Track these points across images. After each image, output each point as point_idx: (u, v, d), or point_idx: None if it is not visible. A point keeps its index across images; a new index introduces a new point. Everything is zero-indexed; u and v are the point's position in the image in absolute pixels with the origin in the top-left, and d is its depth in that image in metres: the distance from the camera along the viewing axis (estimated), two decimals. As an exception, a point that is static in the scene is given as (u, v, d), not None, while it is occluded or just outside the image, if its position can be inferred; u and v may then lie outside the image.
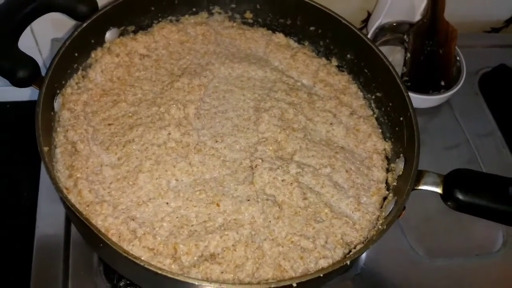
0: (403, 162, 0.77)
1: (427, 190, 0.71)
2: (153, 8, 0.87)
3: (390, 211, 0.72)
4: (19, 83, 0.69)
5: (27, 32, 0.77)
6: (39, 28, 1.00)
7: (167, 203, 0.71)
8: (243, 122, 0.82)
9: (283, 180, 0.74)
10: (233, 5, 0.92)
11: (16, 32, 0.72)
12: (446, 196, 0.70)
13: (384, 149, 0.84)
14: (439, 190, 0.70)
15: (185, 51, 0.89)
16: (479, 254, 0.89)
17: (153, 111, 0.79)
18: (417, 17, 1.11)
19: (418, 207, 0.81)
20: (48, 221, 0.83)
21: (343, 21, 0.86)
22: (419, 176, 0.71)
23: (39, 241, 0.81)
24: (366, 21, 1.19)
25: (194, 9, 0.91)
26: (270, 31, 0.94)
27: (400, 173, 0.77)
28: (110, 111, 0.79)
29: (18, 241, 1.00)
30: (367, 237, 0.73)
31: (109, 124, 0.77)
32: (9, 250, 1.00)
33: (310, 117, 0.83)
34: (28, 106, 1.17)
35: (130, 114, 0.79)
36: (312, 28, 0.92)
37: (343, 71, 0.92)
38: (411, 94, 0.79)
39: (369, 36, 1.06)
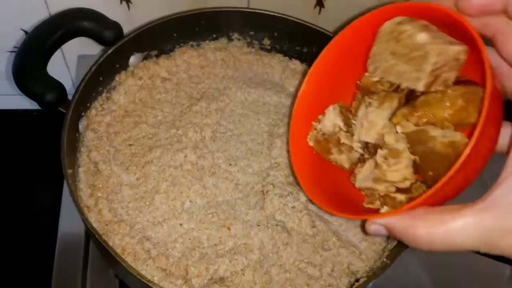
0: (411, 195, 0.79)
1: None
2: (175, 34, 0.90)
3: (396, 245, 0.73)
4: (46, 106, 0.73)
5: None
6: (67, 44, 1.06)
7: (180, 224, 0.74)
8: (257, 146, 0.84)
9: (293, 207, 0.77)
10: (252, 32, 0.95)
11: (45, 57, 0.76)
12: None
13: (395, 181, 0.85)
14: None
15: (205, 75, 0.93)
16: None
17: (172, 133, 0.82)
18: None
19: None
20: (70, 230, 0.87)
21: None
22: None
23: (60, 247, 0.85)
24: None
25: (214, 35, 0.95)
26: (286, 58, 0.97)
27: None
28: (131, 132, 0.83)
29: (39, 246, 1.06)
30: (373, 267, 0.75)
31: (130, 145, 0.81)
32: (31, 254, 1.06)
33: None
34: (54, 115, 1.23)
35: (150, 136, 0.82)
36: (328, 57, 0.94)
37: (357, 98, 0.94)
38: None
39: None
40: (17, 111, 1.23)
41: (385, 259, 0.73)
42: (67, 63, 1.16)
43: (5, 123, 1.22)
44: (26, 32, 1.05)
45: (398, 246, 0.72)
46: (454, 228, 0.45)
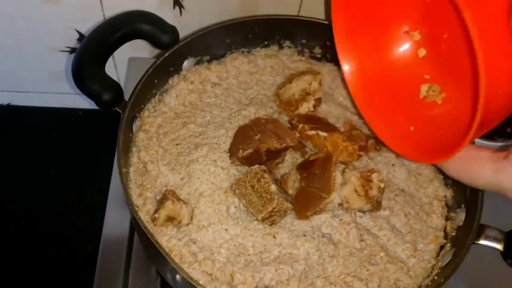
0: (464, 213, 0.76)
1: (487, 246, 0.70)
2: (228, 40, 0.91)
3: (448, 263, 0.71)
4: (104, 106, 0.75)
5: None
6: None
7: (226, 229, 0.74)
8: (304, 156, 0.84)
9: (340, 220, 0.75)
10: (304, 41, 0.95)
11: (104, 57, 0.78)
12: (507, 253, 0.69)
13: (445, 196, 0.83)
14: (499, 246, 0.69)
15: (254, 82, 0.93)
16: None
17: (220, 133, 0.83)
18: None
19: (475, 259, 0.79)
20: (114, 229, 0.88)
21: (413, 64, 0.86)
22: (480, 231, 0.71)
23: (104, 246, 0.86)
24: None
25: (266, 42, 0.95)
26: (337, 67, 0.96)
27: (461, 224, 0.76)
28: (179, 132, 0.83)
29: (83, 243, 1.08)
30: (420, 285, 0.73)
31: (177, 144, 0.82)
32: (71, 250, 1.08)
33: (372, 157, 0.84)
34: (98, 114, 1.26)
35: (198, 134, 0.83)
36: (380, 68, 0.92)
37: (407, 112, 0.92)
38: (476, 140, 0.78)
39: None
40: (65, 110, 1.27)
41: (436, 277, 0.71)
42: (116, 65, 1.19)
43: (51, 120, 1.26)
44: (79, 33, 1.08)
45: (451, 264, 0.70)
46: None
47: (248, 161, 0.78)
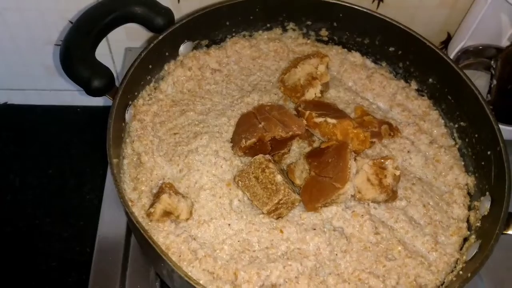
0: (490, 202, 0.69)
1: (517, 236, 0.64)
2: (228, 23, 0.85)
3: (473, 256, 0.64)
4: (93, 93, 0.69)
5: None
6: (113, 36, 1.03)
7: (229, 224, 0.68)
8: (312, 144, 0.78)
9: (353, 212, 0.69)
10: (309, 22, 0.89)
11: (95, 41, 0.73)
12: (540, 245, 0.62)
13: (467, 184, 0.76)
14: (531, 237, 0.63)
15: (256, 67, 0.87)
16: None
17: (222, 121, 0.77)
18: (504, 42, 1.02)
19: (502, 252, 0.73)
20: (110, 228, 0.83)
21: (428, 43, 0.80)
22: (508, 220, 0.64)
23: (99, 246, 0.81)
24: (445, 43, 1.11)
25: (268, 25, 0.89)
26: (345, 50, 0.90)
27: (486, 213, 0.69)
28: (177, 120, 0.78)
29: (82, 243, 1.03)
30: (443, 282, 0.66)
31: (175, 134, 0.76)
32: (70, 251, 1.03)
33: (385, 144, 0.78)
34: (97, 111, 1.22)
35: (197, 122, 0.77)
36: (392, 49, 0.86)
37: (423, 95, 0.86)
38: (501, 126, 0.72)
39: (451, 57, 0.98)
40: (63, 107, 1.22)
41: (461, 272, 0.64)
42: (113, 57, 1.14)
43: (49, 118, 1.22)
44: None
45: (478, 257, 0.63)
46: None
47: (252, 151, 0.72)
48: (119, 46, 1.08)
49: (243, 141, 0.71)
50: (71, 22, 1.02)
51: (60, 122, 1.22)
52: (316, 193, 0.68)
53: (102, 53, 1.09)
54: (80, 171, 1.15)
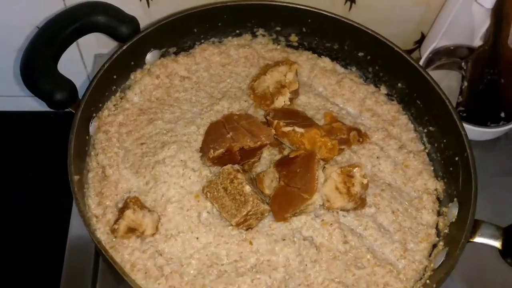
0: (457, 208, 0.70)
1: (483, 244, 0.64)
2: (196, 30, 0.84)
3: (441, 264, 0.65)
4: (55, 106, 0.68)
5: (72, 45, 0.77)
6: (84, 41, 1.01)
7: (197, 238, 0.67)
8: (283, 151, 0.77)
9: (322, 220, 0.69)
10: (278, 28, 0.88)
11: (56, 54, 0.71)
12: (506, 252, 0.62)
13: (436, 189, 0.77)
14: (497, 244, 0.63)
15: (226, 74, 0.86)
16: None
17: (191, 130, 0.76)
18: (476, 41, 1.03)
19: (472, 258, 0.73)
20: (79, 238, 0.81)
21: (396, 48, 0.80)
22: (475, 227, 0.64)
23: (69, 257, 0.80)
24: (419, 42, 1.11)
25: (237, 31, 0.88)
26: (315, 55, 0.89)
27: (453, 220, 0.70)
28: (145, 130, 0.76)
29: (51, 250, 1.01)
30: (413, 289, 0.67)
31: (142, 144, 0.75)
32: (37, 265, 1.01)
33: (354, 150, 0.78)
34: (71, 117, 1.19)
35: (165, 131, 0.76)
36: (361, 54, 0.86)
37: (392, 100, 0.86)
38: (468, 126, 0.72)
39: (423, 59, 0.99)
40: (28, 113, 1.19)
41: (428, 281, 0.64)
42: (85, 62, 1.11)
43: (13, 125, 1.19)
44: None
45: (444, 267, 0.63)
46: None
47: (220, 161, 0.71)
48: (90, 52, 1.06)
49: (211, 151, 0.70)
50: (38, 28, 1.00)
51: (33, 129, 1.19)
52: (285, 203, 0.68)
53: (73, 59, 1.08)
54: (54, 181, 1.12)
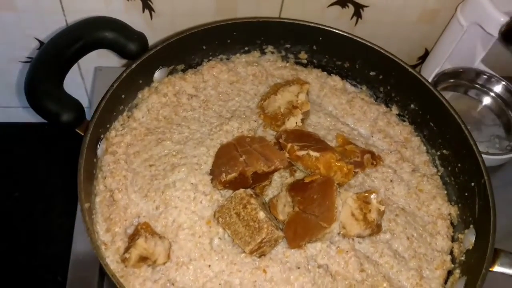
0: (474, 235, 0.69)
1: (502, 273, 0.63)
2: (204, 47, 0.82)
3: (458, 291, 0.64)
4: (63, 127, 0.65)
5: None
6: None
7: (209, 266, 0.65)
8: (293, 174, 0.75)
9: (337, 248, 0.67)
10: (288, 45, 0.86)
11: (62, 72, 0.68)
12: (526, 281, 0.61)
13: (450, 214, 0.75)
14: (517, 274, 0.62)
15: (234, 92, 0.84)
16: None
17: (201, 151, 0.73)
18: (477, 63, 1.02)
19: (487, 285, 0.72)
20: (83, 258, 0.78)
21: (410, 69, 0.79)
22: (494, 256, 0.63)
23: (72, 276, 0.77)
24: (423, 58, 1.11)
25: (246, 48, 0.86)
26: (325, 73, 0.88)
27: (470, 247, 0.68)
28: (153, 151, 0.73)
29: (52, 272, 0.98)
30: (429, 317, 0.65)
31: (150, 165, 0.72)
32: (53, 281, 0.98)
33: (367, 173, 0.76)
34: (66, 129, 1.16)
35: (174, 153, 0.73)
36: (372, 73, 0.85)
37: (404, 121, 0.85)
38: (484, 156, 0.71)
39: (429, 80, 0.98)
40: (27, 124, 1.16)
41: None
42: (82, 74, 1.08)
43: (15, 137, 1.15)
44: (40, 41, 0.97)
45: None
46: None
47: (232, 185, 0.69)
48: (90, 64, 1.03)
49: (223, 175, 0.68)
50: (37, 39, 0.97)
51: (26, 141, 1.16)
52: (301, 231, 0.66)
53: (71, 71, 1.05)
54: (49, 194, 1.09)
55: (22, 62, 1.03)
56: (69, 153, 1.13)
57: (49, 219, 1.06)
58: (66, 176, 1.06)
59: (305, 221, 0.66)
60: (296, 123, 0.76)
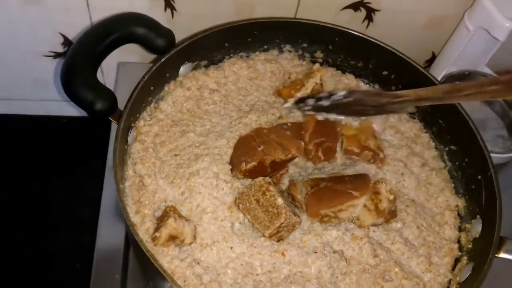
0: (481, 225, 0.73)
1: (507, 259, 0.67)
2: (227, 45, 0.86)
3: (467, 278, 0.68)
4: (96, 116, 0.69)
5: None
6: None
7: (231, 247, 0.69)
8: (308, 164, 0.80)
9: (352, 234, 0.71)
10: (305, 45, 0.91)
11: (95, 63, 0.72)
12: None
13: (457, 206, 0.80)
14: (522, 260, 0.66)
15: (253, 88, 0.88)
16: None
17: (222, 143, 0.77)
18: (482, 67, 1.06)
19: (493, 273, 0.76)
20: (108, 244, 0.82)
21: (421, 69, 0.83)
22: (500, 243, 0.67)
23: (97, 262, 0.80)
24: (430, 62, 1.16)
25: (265, 47, 0.90)
26: (339, 72, 0.92)
27: (477, 236, 0.73)
28: (178, 142, 0.78)
29: (71, 260, 1.02)
30: (438, 302, 0.69)
31: (176, 155, 0.76)
32: (69, 267, 1.01)
33: (379, 166, 0.80)
34: (83, 122, 1.20)
35: (197, 144, 0.77)
36: (385, 73, 0.89)
37: (414, 118, 0.89)
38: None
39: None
40: (49, 118, 1.20)
41: (455, 294, 0.67)
42: (102, 69, 1.12)
43: (33, 129, 1.19)
44: (64, 36, 1.01)
45: (472, 280, 0.66)
46: None
47: (251, 173, 0.73)
48: (109, 59, 1.06)
49: (243, 164, 0.72)
50: (61, 34, 1.01)
51: (45, 133, 1.19)
52: (326, 199, 0.70)
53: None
54: (66, 184, 1.12)
55: (46, 56, 1.06)
56: (85, 147, 1.17)
57: (66, 208, 1.09)
58: (83, 168, 1.12)
59: (334, 191, 0.70)
60: (316, 82, 0.80)
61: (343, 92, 0.72)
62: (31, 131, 1.19)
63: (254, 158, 0.73)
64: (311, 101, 0.75)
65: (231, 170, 0.75)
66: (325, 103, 0.73)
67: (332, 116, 0.75)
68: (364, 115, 0.75)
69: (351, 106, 0.73)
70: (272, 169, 0.75)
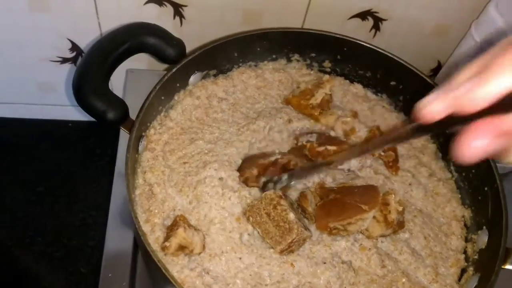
0: (487, 236, 0.74)
1: (512, 270, 0.68)
2: (236, 54, 0.87)
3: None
4: (108, 125, 0.69)
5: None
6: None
7: (240, 258, 0.69)
8: (317, 173, 0.80)
9: (361, 245, 0.72)
10: (313, 54, 0.91)
11: (108, 72, 0.73)
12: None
13: (463, 216, 0.80)
14: (528, 272, 0.67)
15: (261, 96, 0.89)
16: None
17: (230, 151, 0.78)
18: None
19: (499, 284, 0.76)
20: (116, 250, 0.82)
21: (429, 80, 0.84)
22: (506, 255, 0.68)
23: (105, 270, 0.80)
24: (435, 70, 1.16)
25: (274, 56, 0.91)
26: (347, 81, 0.93)
27: (483, 247, 0.73)
28: (187, 149, 0.78)
29: (76, 264, 1.02)
30: (445, 312, 0.70)
31: (184, 163, 0.77)
32: (75, 272, 1.02)
33: (387, 176, 0.81)
34: (88, 126, 1.21)
35: (206, 151, 0.78)
36: (393, 83, 0.90)
37: (421, 128, 0.90)
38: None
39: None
40: (54, 122, 1.20)
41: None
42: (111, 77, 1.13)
43: (38, 133, 1.19)
44: (73, 42, 1.02)
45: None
46: None
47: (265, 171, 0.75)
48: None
49: (252, 169, 0.73)
50: (69, 40, 1.01)
51: (50, 137, 1.20)
52: (335, 212, 0.70)
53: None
54: (71, 189, 1.13)
55: (52, 61, 1.07)
56: (90, 151, 1.17)
57: (71, 212, 1.10)
58: (88, 173, 1.12)
59: (343, 203, 0.70)
60: (325, 93, 0.80)
61: (285, 176, 0.73)
62: (37, 136, 1.20)
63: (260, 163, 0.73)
64: (271, 185, 0.74)
65: (239, 177, 0.75)
66: (283, 182, 0.73)
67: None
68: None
69: (301, 176, 0.75)
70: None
